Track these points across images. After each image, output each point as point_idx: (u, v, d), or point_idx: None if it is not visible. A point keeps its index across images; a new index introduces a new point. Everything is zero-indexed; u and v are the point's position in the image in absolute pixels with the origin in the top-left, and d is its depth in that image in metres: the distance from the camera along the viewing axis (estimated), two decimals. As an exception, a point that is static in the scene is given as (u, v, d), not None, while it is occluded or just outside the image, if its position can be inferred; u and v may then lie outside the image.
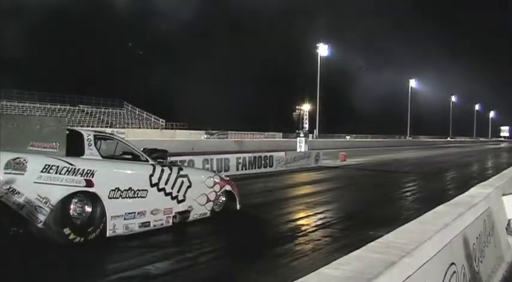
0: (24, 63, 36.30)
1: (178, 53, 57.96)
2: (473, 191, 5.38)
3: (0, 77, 33.49)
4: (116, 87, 47.75)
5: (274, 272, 4.95)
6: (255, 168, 16.39)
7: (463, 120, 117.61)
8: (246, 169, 15.88)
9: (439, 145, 67.84)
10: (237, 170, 15.29)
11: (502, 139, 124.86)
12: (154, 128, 48.75)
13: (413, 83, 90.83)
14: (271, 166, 17.26)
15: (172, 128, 48.59)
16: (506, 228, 5.26)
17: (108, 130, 33.09)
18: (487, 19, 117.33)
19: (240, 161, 15.84)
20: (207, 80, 55.62)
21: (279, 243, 6.23)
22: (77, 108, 47.21)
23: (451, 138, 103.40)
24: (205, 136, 46.23)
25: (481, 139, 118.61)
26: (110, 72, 47.76)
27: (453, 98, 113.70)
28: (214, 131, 48.56)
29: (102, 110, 49.50)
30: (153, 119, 52.33)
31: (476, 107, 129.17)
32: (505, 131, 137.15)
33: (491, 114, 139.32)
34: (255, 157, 16.57)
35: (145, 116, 52.67)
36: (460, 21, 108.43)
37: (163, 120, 51.79)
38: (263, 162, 16.94)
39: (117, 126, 44.51)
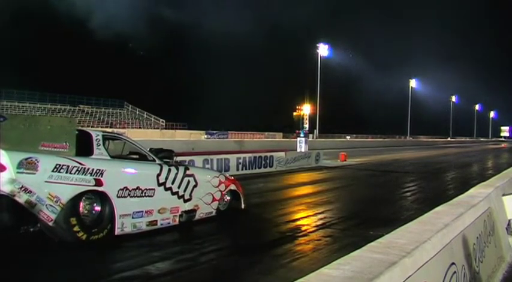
0: (24, 63, 36.34)
1: (178, 54, 57.96)
2: (473, 191, 5.39)
3: (1, 77, 33.52)
4: (116, 87, 47.77)
5: (274, 272, 4.95)
6: (255, 168, 16.39)
7: (464, 121, 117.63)
8: (246, 169, 15.87)
9: (440, 145, 67.82)
10: (237, 170, 15.28)
11: (503, 139, 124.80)
12: (154, 128, 48.76)
13: (413, 83, 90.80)
14: (271, 166, 17.26)
15: (172, 128, 48.60)
16: (506, 229, 5.25)
17: (108, 130, 33.09)
18: (488, 19, 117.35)
19: (240, 161, 15.84)
20: (207, 80, 55.65)
21: (279, 243, 6.23)
22: (77, 108, 47.25)
23: (451, 138, 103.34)
24: (206, 136, 46.23)
25: (482, 139, 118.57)
26: (110, 72, 47.78)
27: (453, 98, 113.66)
28: (215, 131, 48.55)
29: (103, 110, 49.54)
30: (153, 119, 52.36)
31: (477, 107, 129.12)
32: (505, 131, 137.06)
33: (492, 114, 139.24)
34: (255, 157, 16.57)
35: (145, 116, 52.70)
36: (460, 21, 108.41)
37: (164, 120, 51.83)
38: (263, 162, 16.94)
39: (117, 126, 44.52)
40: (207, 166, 13.67)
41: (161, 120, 52.04)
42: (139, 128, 47.39)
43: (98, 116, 47.75)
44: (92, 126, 40.39)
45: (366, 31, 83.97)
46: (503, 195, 5.53)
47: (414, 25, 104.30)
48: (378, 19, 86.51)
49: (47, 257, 5.21)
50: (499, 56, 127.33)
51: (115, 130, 36.23)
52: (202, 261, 5.31)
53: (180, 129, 48.28)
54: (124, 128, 43.18)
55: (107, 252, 5.57)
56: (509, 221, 5.23)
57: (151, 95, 52.20)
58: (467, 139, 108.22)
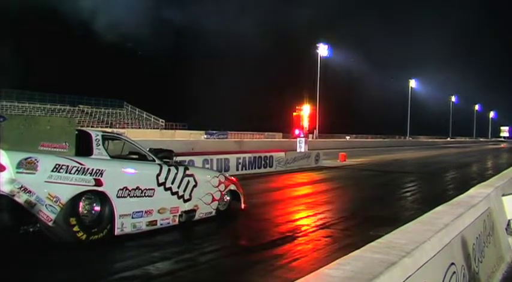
0: (24, 63, 36.31)
1: (178, 54, 57.94)
2: (473, 191, 5.39)
3: (1, 77, 33.52)
4: (116, 88, 47.75)
5: (274, 273, 4.95)
6: (255, 168, 16.39)
7: (463, 121, 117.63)
8: (245, 169, 15.87)
9: (439, 145, 67.82)
10: (237, 170, 15.28)
11: (502, 139, 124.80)
12: (154, 128, 48.76)
13: (413, 83, 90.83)
14: (271, 166, 17.25)
15: (172, 128, 48.60)
16: (506, 229, 5.25)
17: (108, 130, 33.07)
18: (488, 19, 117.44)
19: (240, 161, 15.83)
20: (207, 80, 55.64)
21: (279, 243, 6.23)
22: (77, 108, 47.26)
23: (451, 138, 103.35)
24: (205, 136, 46.22)
25: (481, 139, 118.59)
26: (109, 72, 47.76)
27: (453, 98, 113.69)
28: (214, 131, 48.54)
29: (102, 110, 49.55)
30: (152, 119, 52.36)
31: (476, 107, 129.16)
32: (505, 131, 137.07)
33: (491, 114, 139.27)
34: (254, 157, 16.56)
35: (145, 116, 52.69)
36: (460, 21, 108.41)
37: (163, 121, 51.83)
38: (263, 162, 16.93)
39: (117, 126, 44.52)
40: (206, 166, 13.66)
41: (161, 120, 52.05)
42: (139, 128, 47.39)
43: (97, 116, 47.75)
44: (91, 126, 40.38)
45: (365, 31, 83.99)
46: (503, 195, 5.53)
47: (414, 25, 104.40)
48: (377, 19, 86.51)
49: (47, 257, 5.21)
50: (498, 56, 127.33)
51: (115, 130, 36.23)
52: (202, 261, 5.32)
53: (179, 129, 48.28)
54: (124, 128, 43.18)
55: (107, 252, 5.58)
56: (509, 221, 5.22)
57: (151, 95, 52.16)
58: (467, 139, 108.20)
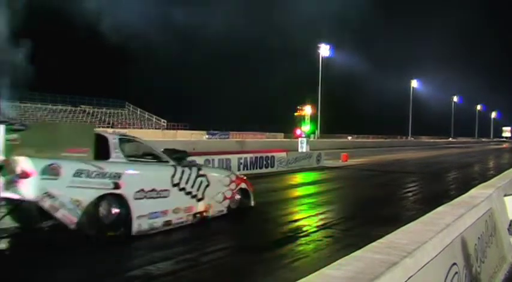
0: (24, 63, 36.35)
1: (180, 54, 57.97)
2: (474, 191, 5.38)
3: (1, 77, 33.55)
4: (117, 88, 47.79)
5: (276, 273, 4.95)
6: (256, 168, 16.36)
7: (465, 121, 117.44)
8: (247, 169, 15.84)
9: (441, 145, 67.70)
10: (238, 170, 15.22)
11: (504, 139, 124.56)
12: (155, 129, 48.74)
13: (415, 83, 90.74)
14: (272, 166, 17.23)
15: (173, 128, 48.61)
16: (508, 229, 5.23)
17: (109, 130, 33.05)
18: (487, 19, 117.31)
19: (242, 161, 15.81)
20: (209, 80, 55.68)
21: (281, 243, 6.23)
22: (79, 108, 47.26)
23: (452, 138, 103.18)
24: (207, 136, 46.23)
25: (483, 139, 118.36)
26: (111, 72, 47.79)
27: (455, 99, 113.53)
28: (216, 131, 48.54)
29: (104, 110, 49.53)
30: (154, 120, 52.35)
31: (478, 107, 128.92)
32: (507, 131, 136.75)
33: (493, 114, 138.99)
34: (256, 157, 16.55)
35: (146, 116, 52.69)
36: (461, 20, 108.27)
37: (165, 121, 51.82)
38: (264, 162, 16.91)
39: (119, 126, 44.49)
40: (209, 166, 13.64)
41: (162, 120, 52.04)
42: (141, 128, 47.34)
43: (99, 116, 47.75)
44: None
45: (366, 31, 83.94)
46: (505, 195, 5.50)
47: (414, 25, 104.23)
48: (377, 19, 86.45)
49: (47, 257, 5.21)
50: (501, 56, 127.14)
51: (116, 130, 36.24)
52: (203, 261, 5.32)
53: (181, 129, 48.29)
54: (125, 128, 43.13)
55: (108, 253, 5.57)
56: (511, 221, 5.21)
57: (153, 95, 52.21)
58: (469, 139, 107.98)
